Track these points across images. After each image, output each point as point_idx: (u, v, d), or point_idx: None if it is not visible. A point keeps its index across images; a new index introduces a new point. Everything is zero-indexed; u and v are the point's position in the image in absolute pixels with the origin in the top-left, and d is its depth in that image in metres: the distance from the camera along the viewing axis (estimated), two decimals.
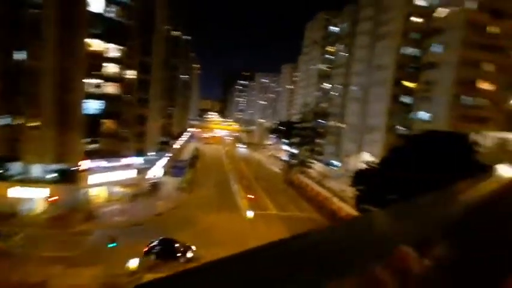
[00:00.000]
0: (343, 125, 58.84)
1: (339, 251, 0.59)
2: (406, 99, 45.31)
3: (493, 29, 39.92)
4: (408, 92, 45.11)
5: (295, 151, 60.88)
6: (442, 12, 41.39)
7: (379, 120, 45.42)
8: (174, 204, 35.51)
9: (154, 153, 44.87)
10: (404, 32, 44.72)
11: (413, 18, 44.89)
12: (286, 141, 64.01)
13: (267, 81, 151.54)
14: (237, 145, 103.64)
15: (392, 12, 45.81)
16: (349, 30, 64.33)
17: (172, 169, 49.13)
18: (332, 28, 75.95)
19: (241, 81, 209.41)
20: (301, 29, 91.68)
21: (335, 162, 64.09)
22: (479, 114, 38.62)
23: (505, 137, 26.74)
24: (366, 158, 41.94)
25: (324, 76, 75.76)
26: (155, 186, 41.21)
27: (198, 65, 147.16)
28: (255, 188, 45.14)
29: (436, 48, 41.49)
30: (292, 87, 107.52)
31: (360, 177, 25.63)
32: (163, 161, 49.49)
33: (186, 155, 67.77)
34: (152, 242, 22.85)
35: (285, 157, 61.05)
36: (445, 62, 39.52)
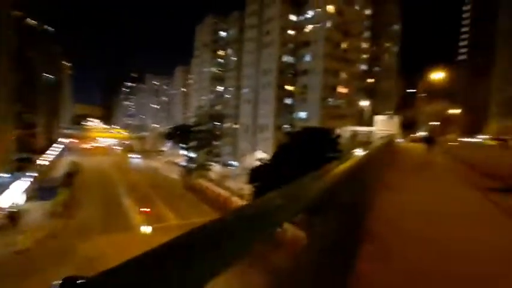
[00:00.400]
0: (238, 126, 61.76)
1: (228, 237, 0.64)
2: (289, 101, 51.64)
3: (345, 45, 50.46)
4: (290, 94, 51.55)
5: (193, 155, 59.64)
6: (309, 27, 49.25)
7: (269, 120, 50.02)
8: (43, 235, 28.39)
9: (8, 174, 34.70)
10: (283, 42, 50.78)
11: (289, 31, 51.53)
12: (184, 145, 61.82)
13: (158, 83, 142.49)
14: (127, 154, 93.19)
15: (272, 24, 51.16)
16: (238, 36, 68.12)
17: (40, 191, 39.32)
18: (222, 33, 78.47)
19: (129, 84, 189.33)
20: (193, 31, 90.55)
21: (233, 162, 66.56)
22: (340, 112, 48.08)
23: (357, 130, 34.15)
24: (260, 155, 45.37)
25: (217, 79, 77.51)
26: (13, 216, 31.90)
27: (69, 64, 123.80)
28: (152, 199, 41.59)
29: (307, 58, 49.09)
30: (185, 90, 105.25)
31: (255, 175, 27.26)
32: (24, 182, 38.98)
33: (60, 171, 55.71)
34: (51, 286, 17.26)
35: (183, 162, 58.87)
36: (314, 69, 47.24)
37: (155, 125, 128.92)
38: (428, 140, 14.91)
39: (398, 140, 31.96)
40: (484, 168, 9.38)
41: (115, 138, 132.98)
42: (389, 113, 36.25)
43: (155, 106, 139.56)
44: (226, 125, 72.21)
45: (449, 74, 66.63)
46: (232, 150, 67.17)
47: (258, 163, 30.89)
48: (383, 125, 30.70)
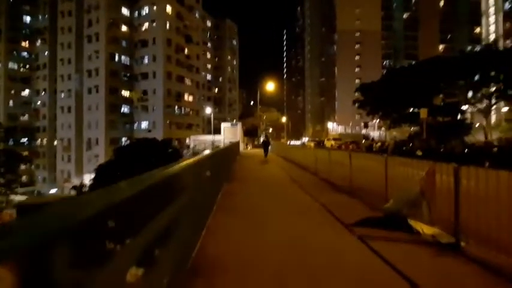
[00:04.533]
0: (56, 142, 46.42)
1: None
2: (126, 109, 43.31)
3: (188, 51, 47.99)
4: (127, 101, 43.37)
5: None
6: (146, 25, 43.34)
7: (99, 133, 39.77)
8: None
9: None
10: (114, 38, 42.16)
11: (122, 26, 43.43)
12: None
13: None
14: None
15: (96, 13, 41.41)
16: (50, 24, 51.90)
17: None
18: (26, 17, 57.92)
19: None
20: None
21: (53, 191, 49.59)
22: (187, 121, 44.98)
23: (205, 139, 31.89)
24: (88, 178, 34.80)
25: (21, 79, 56.23)
26: None
27: None
28: None
29: (146, 60, 42.96)
30: None
31: None
32: None
33: None
34: None
35: None
36: (155, 73, 41.82)
37: None
38: (265, 145, 17.82)
39: (243, 146, 32.11)
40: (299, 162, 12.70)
41: None
42: (234, 121, 36.96)
43: None
44: (40, 141, 53.31)
45: (279, 88, 78.94)
46: (51, 174, 50.05)
47: (73, 192, 22.31)
48: (229, 133, 29.91)
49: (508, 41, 45.16)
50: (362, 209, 4.80)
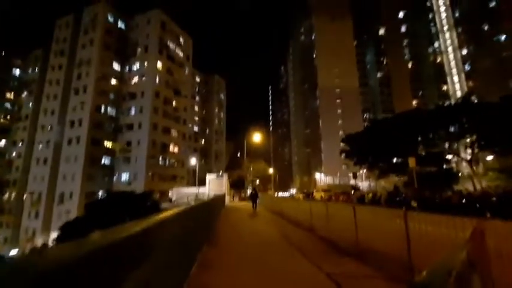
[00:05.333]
0: (25, 197, 42.73)
1: None
2: (107, 161, 41.53)
3: (175, 103, 48.84)
4: (109, 152, 41.87)
5: None
6: (135, 79, 44.49)
7: (74, 186, 37.11)
8: None
9: None
10: (103, 91, 42.60)
11: (112, 80, 44.35)
12: None
13: None
14: None
15: (86, 67, 42.44)
16: (39, 78, 52.52)
17: None
18: (16, 70, 58.72)
19: None
20: None
21: (13, 252, 43.92)
22: (172, 173, 43.32)
23: (188, 191, 30.15)
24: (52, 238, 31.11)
25: None
26: None
27: None
28: None
29: (133, 111, 42.98)
30: None
31: None
32: None
33: None
34: None
35: None
36: (141, 124, 41.46)
37: None
38: (253, 197, 17.33)
39: (229, 198, 30.45)
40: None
41: None
42: (220, 173, 35.89)
43: None
44: (7, 196, 49.11)
45: (265, 140, 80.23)
46: (13, 234, 44.89)
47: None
48: (214, 185, 28.54)
49: (473, 98, 49.31)
50: (382, 284, 3.71)
